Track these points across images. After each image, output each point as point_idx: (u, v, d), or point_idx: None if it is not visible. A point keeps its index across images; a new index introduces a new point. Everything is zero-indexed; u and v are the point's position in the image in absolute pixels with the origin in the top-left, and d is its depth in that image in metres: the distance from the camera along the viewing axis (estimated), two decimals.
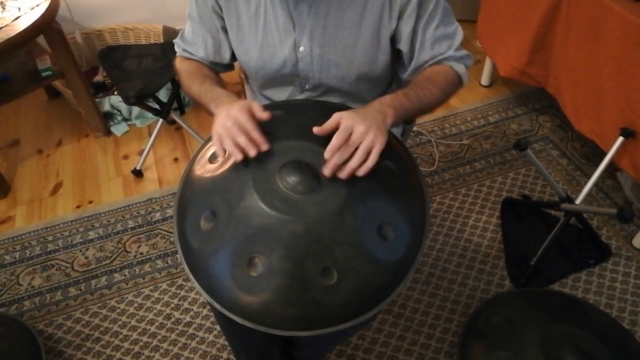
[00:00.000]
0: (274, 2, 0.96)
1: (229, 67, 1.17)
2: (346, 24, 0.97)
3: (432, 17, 0.98)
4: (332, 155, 0.77)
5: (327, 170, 0.77)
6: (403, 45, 1.02)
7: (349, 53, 1.00)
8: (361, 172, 0.77)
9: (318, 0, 0.94)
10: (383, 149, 0.78)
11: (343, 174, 0.77)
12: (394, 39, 1.02)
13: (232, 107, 0.84)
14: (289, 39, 0.99)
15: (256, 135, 0.80)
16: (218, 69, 1.14)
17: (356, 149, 0.78)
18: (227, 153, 0.85)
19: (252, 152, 0.79)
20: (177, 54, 1.14)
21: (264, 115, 0.83)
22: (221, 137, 0.82)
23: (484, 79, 2.35)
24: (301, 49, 0.99)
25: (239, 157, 0.79)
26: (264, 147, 0.80)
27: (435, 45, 1.01)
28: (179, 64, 1.13)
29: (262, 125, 0.83)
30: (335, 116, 0.80)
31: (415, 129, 2.14)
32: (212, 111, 0.94)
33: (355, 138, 0.78)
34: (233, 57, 1.12)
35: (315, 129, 0.80)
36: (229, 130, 0.81)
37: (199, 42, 1.08)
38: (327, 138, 0.79)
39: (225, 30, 1.05)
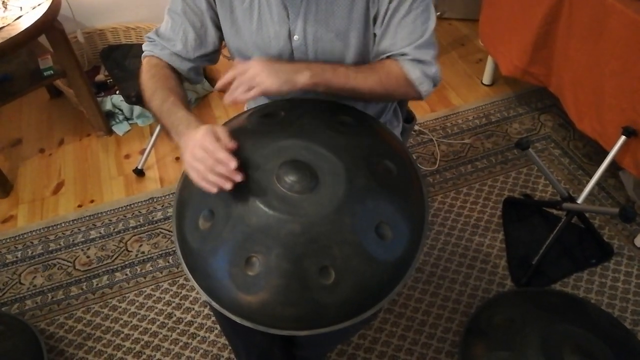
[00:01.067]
0: None
1: (200, 75, 1.13)
2: (338, 9, 0.95)
3: (401, 4, 0.94)
4: (221, 85, 0.89)
5: (225, 99, 0.88)
6: (377, 29, 0.99)
7: (342, 39, 0.98)
8: (226, 98, 0.87)
9: None
10: (270, 92, 0.86)
11: (225, 99, 0.87)
12: (374, 22, 0.99)
13: (195, 134, 0.82)
14: (284, 28, 0.98)
15: (232, 164, 0.77)
16: (190, 77, 1.09)
17: None
18: None
19: (227, 186, 0.77)
20: (144, 53, 1.07)
21: (230, 144, 0.80)
22: (201, 172, 0.78)
23: (486, 78, 2.34)
24: (295, 37, 0.98)
25: (228, 186, 0.76)
26: (238, 178, 0.77)
27: (397, 35, 0.96)
28: (146, 64, 1.05)
29: (259, 126, 0.83)
30: (253, 59, 0.89)
31: (416, 128, 2.13)
32: (172, 137, 0.92)
33: (248, 74, 0.87)
34: (206, 58, 1.09)
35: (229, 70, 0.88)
36: (204, 162, 0.78)
37: (178, 36, 1.03)
38: (328, 134, 0.81)
39: (215, 24, 1.03)
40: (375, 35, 1.00)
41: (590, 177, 1.59)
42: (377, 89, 0.97)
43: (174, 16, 1.03)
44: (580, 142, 2.03)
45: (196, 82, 1.13)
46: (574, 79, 1.72)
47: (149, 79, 1.02)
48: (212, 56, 1.10)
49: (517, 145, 1.56)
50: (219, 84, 0.89)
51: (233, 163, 0.76)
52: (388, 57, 0.99)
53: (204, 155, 0.78)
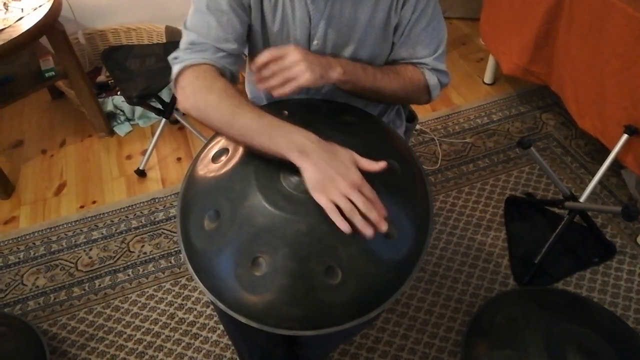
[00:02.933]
0: None
1: (237, 79, 1.02)
2: (360, 18, 0.96)
3: (422, 16, 0.97)
4: (256, 66, 0.85)
5: (255, 77, 0.85)
6: (396, 37, 1.01)
7: (360, 48, 1.00)
8: (261, 85, 0.85)
9: None
10: (306, 86, 0.84)
11: (259, 85, 0.85)
12: (394, 33, 1.02)
13: (345, 170, 0.74)
14: (304, 32, 0.98)
15: (384, 213, 0.73)
16: (236, 82, 0.99)
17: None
18: (230, 152, 0.85)
19: (383, 228, 0.72)
20: (184, 63, 0.90)
21: (376, 166, 0.76)
22: (346, 210, 0.72)
23: (487, 77, 2.34)
24: (315, 42, 0.98)
25: (371, 234, 0.72)
26: (384, 228, 0.73)
27: (417, 47, 1.01)
28: (188, 79, 0.89)
29: None
30: (291, 46, 0.86)
31: (418, 127, 2.13)
32: (286, 157, 0.76)
33: (287, 61, 0.84)
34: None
35: (265, 52, 0.85)
36: (358, 204, 0.72)
37: (229, 33, 0.93)
38: (333, 135, 0.81)
39: (247, 22, 0.97)
40: (393, 43, 1.02)
41: (593, 175, 1.59)
42: (399, 93, 1.01)
43: (218, 14, 0.91)
44: (582, 141, 2.03)
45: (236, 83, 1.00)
46: (575, 77, 1.72)
47: (218, 95, 0.85)
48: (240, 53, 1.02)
49: (519, 144, 1.56)
50: (257, 62, 0.85)
51: (384, 212, 0.73)
52: (409, 63, 1.02)
53: (359, 198, 0.73)
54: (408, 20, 0.98)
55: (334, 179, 0.73)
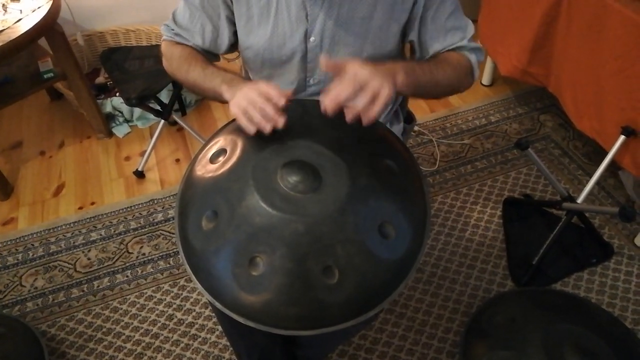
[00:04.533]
0: None
1: (218, 57, 1.14)
2: (358, 14, 0.96)
3: (441, 7, 0.98)
4: (336, 95, 0.76)
5: (327, 102, 0.77)
6: (414, 36, 1.02)
7: (359, 43, 0.99)
8: (368, 119, 0.77)
9: None
10: (390, 100, 0.79)
11: (349, 115, 0.78)
12: (404, 31, 1.02)
13: (253, 83, 0.84)
14: (300, 29, 0.97)
15: (282, 101, 0.80)
16: (209, 58, 1.09)
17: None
18: (228, 152, 0.85)
19: (280, 121, 0.80)
20: (164, 37, 1.09)
21: (282, 101, 0.82)
22: (247, 108, 0.82)
23: (485, 79, 2.35)
24: (312, 39, 0.98)
25: (268, 128, 0.80)
26: (281, 121, 0.80)
27: (448, 36, 1.01)
28: (168, 47, 1.08)
29: None
30: (350, 61, 0.80)
31: (416, 128, 2.14)
32: (221, 93, 0.92)
33: (359, 79, 0.76)
34: (228, 49, 1.09)
35: (322, 59, 0.82)
36: (254, 101, 0.81)
37: (196, 28, 1.04)
38: (330, 134, 0.81)
39: (229, 19, 1.03)
40: (408, 41, 1.04)
41: (590, 176, 1.59)
42: (453, 81, 1.00)
43: (192, 8, 1.03)
44: (579, 142, 2.03)
45: (215, 60, 1.12)
46: (573, 78, 1.72)
47: (178, 58, 1.04)
48: (223, 53, 1.11)
49: (517, 146, 1.57)
50: (332, 103, 0.77)
51: (283, 100, 0.80)
52: (449, 50, 1.03)
53: (257, 94, 0.81)
54: (420, 17, 0.98)
55: (242, 90, 0.84)
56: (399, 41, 1.04)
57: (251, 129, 0.81)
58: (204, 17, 1.03)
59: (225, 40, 1.06)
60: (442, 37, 1.01)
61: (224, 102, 0.92)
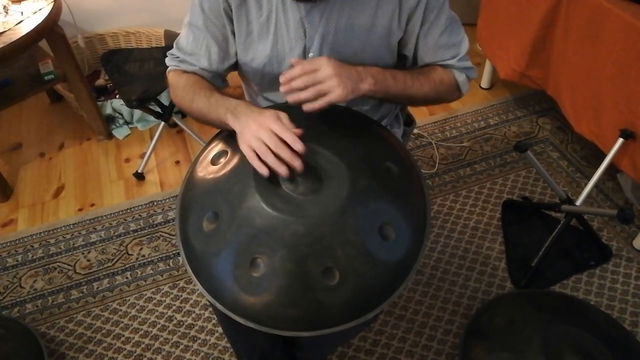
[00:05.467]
0: (286, 8, 0.95)
1: (226, 81, 1.12)
2: (357, 30, 0.97)
3: (436, 22, 0.99)
4: (287, 78, 0.83)
5: (282, 86, 0.84)
6: (408, 51, 1.03)
7: (358, 59, 0.99)
8: (306, 107, 0.83)
9: (330, 7, 0.94)
10: (337, 102, 0.83)
11: (290, 98, 0.84)
12: (400, 45, 1.03)
13: (259, 116, 0.82)
14: (299, 45, 0.98)
15: (299, 146, 0.78)
16: (217, 84, 1.08)
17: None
18: (229, 154, 0.86)
19: (298, 165, 0.78)
20: (170, 67, 1.07)
21: (296, 130, 0.81)
22: (259, 152, 0.79)
23: (484, 82, 2.36)
24: (310, 54, 0.99)
25: (285, 172, 0.77)
26: (298, 164, 0.78)
27: (438, 53, 1.02)
28: (174, 77, 1.05)
29: None
30: (321, 57, 0.86)
31: (415, 131, 2.14)
32: (226, 122, 0.89)
33: (319, 75, 0.83)
34: (234, 67, 1.08)
35: (293, 60, 0.86)
36: (268, 142, 0.79)
37: (201, 51, 1.02)
38: (330, 137, 0.82)
39: (233, 34, 1.02)
40: (403, 56, 1.04)
41: (589, 179, 1.60)
42: (431, 95, 1.01)
43: (195, 31, 1.01)
44: (578, 145, 2.04)
45: (222, 87, 1.10)
46: (571, 82, 1.73)
47: (183, 88, 1.01)
48: (229, 71, 1.10)
49: (516, 148, 1.57)
50: (286, 76, 0.84)
51: (299, 145, 0.78)
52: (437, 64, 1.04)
53: (270, 136, 0.79)
54: (417, 34, 0.99)
55: (251, 127, 0.82)
56: (396, 55, 1.04)
57: (265, 172, 0.78)
58: (209, 37, 1.01)
59: (233, 57, 1.05)
60: (433, 53, 1.02)
61: (232, 130, 0.89)
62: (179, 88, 1.03)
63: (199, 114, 0.99)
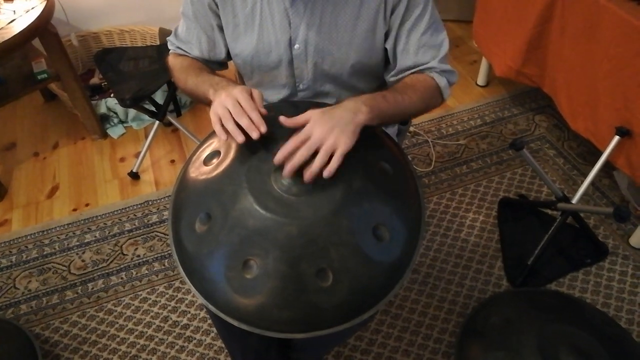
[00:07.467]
0: (271, 0, 0.97)
1: (224, 65, 1.16)
2: (342, 22, 0.97)
3: (418, 22, 0.98)
4: (283, 156, 0.76)
5: (285, 171, 0.76)
6: (388, 43, 1.02)
7: (344, 51, 1.00)
8: (326, 174, 0.75)
9: None
10: (350, 149, 0.77)
11: (306, 177, 0.75)
12: (384, 37, 1.02)
13: (233, 89, 0.85)
14: (284, 36, 0.99)
15: (256, 116, 0.80)
16: (213, 67, 1.13)
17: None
18: (221, 155, 0.85)
19: (254, 134, 0.79)
20: (170, 50, 1.15)
21: (262, 109, 0.83)
22: (222, 117, 0.81)
23: (480, 79, 2.35)
24: (296, 46, 1.00)
25: (240, 139, 0.79)
26: (263, 129, 0.79)
27: (419, 52, 1.01)
28: (172, 59, 1.13)
29: None
30: (307, 114, 0.80)
31: (411, 129, 2.14)
32: (209, 98, 0.92)
33: (314, 139, 0.76)
34: (228, 56, 1.12)
35: (282, 118, 0.81)
36: (231, 109, 0.81)
37: (193, 40, 1.08)
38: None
39: (220, 28, 1.05)
40: (386, 49, 1.03)
41: (585, 177, 1.59)
42: (420, 106, 0.99)
43: (187, 21, 1.07)
44: (574, 143, 2.04)
45: (220, 69, 1.16)
46: (567, 79, 1.73)
47: (179, 69, 1.07)
48: (224, 61, 1.13)
49: (512, 146, 1.57)
50: (280, 157, 0.77)
51: (255, 115, 0.80)
52: (417, 71, 1.02)
53: (234, 104, 0.81)
54: (398, 28, 0.98)
55: (221, 96, 0.84)
56: (383, 48, 1.04)
57: (223, 137, 0.81)
58: (199, 28, 1.06)
59: (222, 49, 1.09)
60: (414, 53, 1.01)
61: None
62: (176, 69, 1.09)
63: (191, 93, 1.03)
